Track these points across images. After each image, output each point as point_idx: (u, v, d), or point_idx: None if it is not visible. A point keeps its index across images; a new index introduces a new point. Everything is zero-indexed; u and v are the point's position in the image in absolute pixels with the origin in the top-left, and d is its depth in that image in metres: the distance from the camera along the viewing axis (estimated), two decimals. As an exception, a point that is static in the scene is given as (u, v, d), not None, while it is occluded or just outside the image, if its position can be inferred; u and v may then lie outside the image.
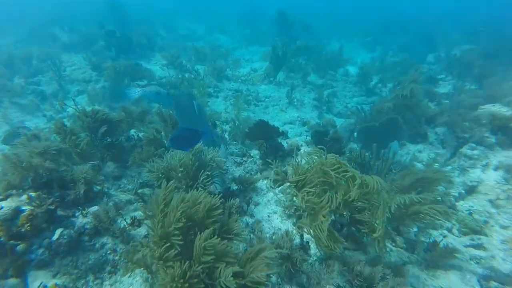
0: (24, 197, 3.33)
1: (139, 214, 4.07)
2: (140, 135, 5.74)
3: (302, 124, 8.37)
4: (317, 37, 16.62)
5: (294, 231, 3.89)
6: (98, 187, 4.20)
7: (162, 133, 5.01)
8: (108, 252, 3.46)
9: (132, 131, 6.06)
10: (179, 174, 3.69)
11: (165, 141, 4.94)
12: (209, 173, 3.77)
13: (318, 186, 3.24)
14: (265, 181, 5.00)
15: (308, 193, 3.13)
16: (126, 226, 3.62)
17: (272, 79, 10.45)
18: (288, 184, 4.71)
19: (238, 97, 8.98)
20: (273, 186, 4.88)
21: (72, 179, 3.83)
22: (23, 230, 3.04)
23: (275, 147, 5.04)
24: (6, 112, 8.56)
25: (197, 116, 4.51)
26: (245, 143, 6.60)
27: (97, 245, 3.47)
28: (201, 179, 3.69)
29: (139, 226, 3.72)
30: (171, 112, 5.18)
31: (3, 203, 3.21)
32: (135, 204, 4.42)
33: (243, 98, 8.88)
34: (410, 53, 14.61)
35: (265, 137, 5.03)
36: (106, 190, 4.35)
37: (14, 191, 3.47)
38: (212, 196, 2.85)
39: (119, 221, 3.65)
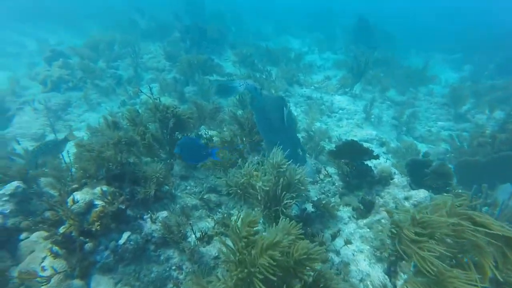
0: (98, 190, 3.08)
1: (206, 225, 3.66)
2: (210, 134, 5.41)
3: (380, 145, 7.44)
4: (394, 47, 15.20)
5: (387, 282, 3.16)
6: (167, 187, 3.89)
7: (238, 137, 4.57)
8: (173, 268, 3.07)
9: (202, 128, 5.78)
10: (261, 193, 3.16)
11: (240, 147, 4.49)
12: (294, 194, 3.20)
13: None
14: (345, 208, 4.30)
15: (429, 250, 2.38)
16: (196, 241, 3.20)
17: (348, 90, 9.58)
18: (377, 218, 3.97)
19: (311, 105, 8.32)
20: (355, 216, 4.17)
21: (144, 176, 3.54)
22: (93, 228, 2.76)
23: (363, 170, 4.30)
24: (88, 93, 8.96)
25: (285, 127, 3.96)
26: (319, 158, 5.94)
27: (162, 257, 3.10)
28: (284, 201, 3.13)
29: (208, 243, 3.28)
30: (249, 115, 4.72)
31: (78, 195, 2.97)
32: (200, 210, 4.05)
33: (316, 107, 8.20)
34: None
35: (352, 158, 4.31)
36: (173, 190, 4.03)
37: (89, 181, 3.25)
38: (309, 241, 2.26)
39: (187, 233, 3.25)
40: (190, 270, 2.99)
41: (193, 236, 3.28)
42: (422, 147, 7.84)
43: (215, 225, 3.57)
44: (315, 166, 5.04)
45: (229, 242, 2.14)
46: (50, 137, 7.67)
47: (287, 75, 10.14)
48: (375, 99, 9.34)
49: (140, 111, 4.60)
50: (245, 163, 3.47)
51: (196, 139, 3.83)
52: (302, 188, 3.25)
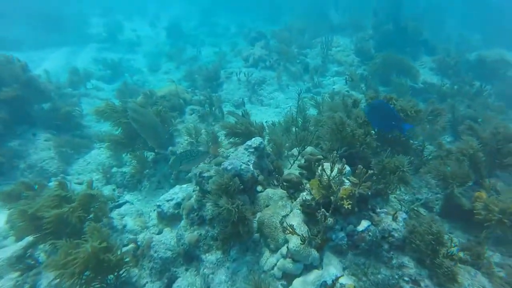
0: (347, 168, 2.94)
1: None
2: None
3: None
4: None
5: None
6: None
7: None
8: (405, 278, 2.67)
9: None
10: None
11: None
12: None
13: None
14: None
15: None
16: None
17: None
18: None
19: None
20: None
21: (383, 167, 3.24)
22: (344, 205, 2.64)
23: None
24: (280, 74, 9.66)
25: None
26: None
27: (394, 261, 2.75)
28: None
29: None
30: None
31: (325, 164, 2.93)
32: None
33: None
34: None
35: None
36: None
37: (328, 155, 3.20)
38: None
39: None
40: (432, 292, 2.52)
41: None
42: None
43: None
44: None
45: None
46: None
47: (507, 94, 8.11)
48: None
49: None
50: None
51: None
52: None
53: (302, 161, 3.51)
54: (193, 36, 17.56)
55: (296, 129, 4.67)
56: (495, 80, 9.38)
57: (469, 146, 3.78)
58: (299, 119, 5.27)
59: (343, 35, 12.75)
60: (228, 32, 17.73)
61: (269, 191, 3.37)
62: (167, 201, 3.91)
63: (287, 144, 4.56)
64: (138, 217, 4.22)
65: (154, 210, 4.20)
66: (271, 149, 4.43)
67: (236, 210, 2.62)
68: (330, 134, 3.24)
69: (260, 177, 3.53)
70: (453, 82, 8.78)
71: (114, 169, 5.78)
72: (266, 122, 5.62)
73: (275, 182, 3.53)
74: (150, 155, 5.76)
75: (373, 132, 4.23)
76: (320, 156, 3.22)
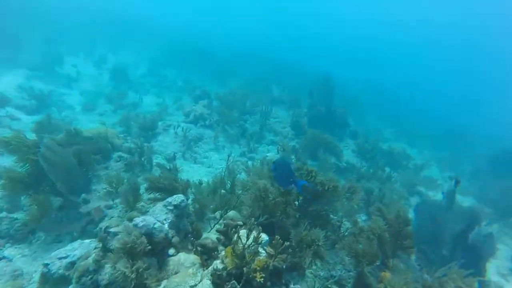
0: (265, 237, 2.92)
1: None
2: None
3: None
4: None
5: None
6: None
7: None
8: None
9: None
10: None
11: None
12: None
13: None
14: None
15: None
16: None
17: (484, 224, 8.19)
18: None
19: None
20: None
21: (301, 240, 3.29)
22: (256, 278, 2.53)
23: None
24: (217, 135, 9.87)
25: None
26: None
27: None
28: None
29: None
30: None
31: (242, 231, 2.87)
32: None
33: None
34: None
35: None
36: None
37: (248, 221, 3.16)
38: None
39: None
40: None
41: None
42: None
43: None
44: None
45: None
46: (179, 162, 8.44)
47: (407, 182, 9.42)
48: None
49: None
50: None
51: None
52: None
53: (223, 225, 3.40)
54: (138, 84, 17.39)
55: (223, 191, 4.63)
56: (399, 169, 10.93)
57: (377, 226, 4.12)
58: (228, 181, 5.27)
59: (282, 108, 13.94)
60: (174, 85, 18.01)
61: (182, 255, 3.11)
62: (59, 259, 3.31)
63: (212, 206, 4.44)
64: (12, 279, 3.44)
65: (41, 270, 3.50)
66: (193, 209, 4.24)
67: (135, 276, 2.31)
68: (252, 200, 3.26)
69: (175, 239, 3.27)
70: (369, 166, 9.94)
71: (3, 214, 4.83)
72: (193, 180, 5.49)
73: (190, 246, 3.30)
74: (58, 201, 5.03)
75: (296, 203, 4.42)
76: (240, 222, 3.17)
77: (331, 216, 5.40)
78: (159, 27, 30.39)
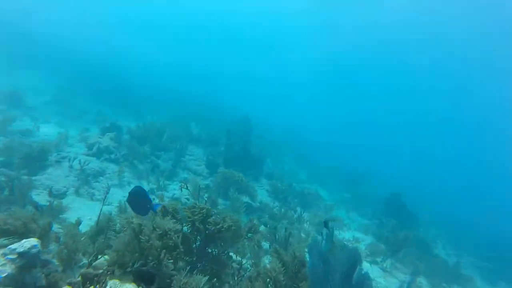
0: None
1: None
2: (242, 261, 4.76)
3: None
4: (419, 231, 14.75)
5: None
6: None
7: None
8: None
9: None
10: None
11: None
12: None
13: None
14: None
15: None
16: None
17: (380, 260, 8.84)
18: None
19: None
20: None
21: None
22: None
23: None
24: (123, 169, 8.94)
25: None
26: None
27: None
28: None
29: None
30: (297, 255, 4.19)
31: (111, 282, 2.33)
32: None
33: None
34: None
35: None
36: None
37: (118, 271, 2.62)
38: None
39: None
40: None
41: None
42: None
43: None
44: None
45: None
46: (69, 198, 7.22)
47: (316, 222, 9.78)
48: (405, 282, 8.39)
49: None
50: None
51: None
52: None
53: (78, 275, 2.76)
54: (38, 110, 15.24)
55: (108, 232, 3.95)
56: (310, 209, 11.41)
57: (273, 268, 3.93)
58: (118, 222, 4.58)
59: (199, 147, 13.64)
60: (84, 116, 16.29)
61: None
62: None
63: (90, 250, 3.69)
64: None
65: None
66: (59, 255, 3.44)
67: None
68: (123, 244, 2.75)
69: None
70: (281, 206, 10.10)
71: None
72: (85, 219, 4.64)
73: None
74: None
75: (194, 245, 4.00)
76: (102, 271, 2.60)
77: (233, 258, 5.08)
78: (76, 51, 28.20)
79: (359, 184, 20.06)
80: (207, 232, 3.90)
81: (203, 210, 3.67)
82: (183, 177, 10.32)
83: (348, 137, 39.44)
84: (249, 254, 6.23)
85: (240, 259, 5.08)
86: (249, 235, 5.39)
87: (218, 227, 3.69)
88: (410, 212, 14.39)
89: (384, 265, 8.84)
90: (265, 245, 6.83)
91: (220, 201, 8.80)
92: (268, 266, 4.17)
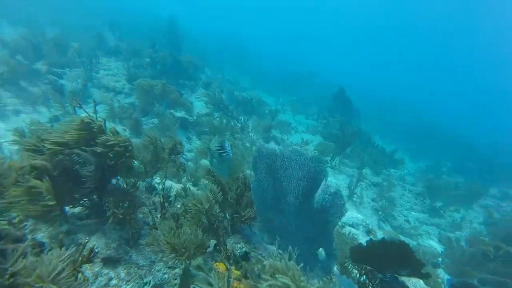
0: None
1: None
2: (169, 184, 3.70)
3: (367, 232, 6.24)
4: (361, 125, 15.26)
5: None
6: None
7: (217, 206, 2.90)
8: None
9: (157, 176, 3.97)
10: None
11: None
12: None
13: None
14: None
15: None
16: None
17: (329, 159, 8.63)
18: None
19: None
20: None
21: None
22: None
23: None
24: (2, 95, 6.70)
25: (309, 207, 2.51)
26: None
27: None
28: None
29: None
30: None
31: None
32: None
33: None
34: (466, 177, 13.09)
35: (381, 267, 2.89)
36: None
37: None
38: None
39: None
40: None
41: None
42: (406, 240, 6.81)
43: None
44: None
45: None
46: None
47: (262, 129, 9.01)
48: (354, 176, 8.45)
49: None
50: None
51: None
52: None
53: None
54: None
55: None
56: (255, 116, 10.52)
57: (204, 198, 2.87)
58: None
59: (118, 59, 11.16)
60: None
61: None
62: None
63: None
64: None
65: None
66: None
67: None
68: None
69: None
70: (222, 116, 8.96)
71: None
72: None
73: None
74: None
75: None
76: None
77: (157, 188, 4.02)
78: None
79: (303, 86, 19.51)
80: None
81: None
82: (99, 97, 8.35)
83: (290, 43, 37.70)
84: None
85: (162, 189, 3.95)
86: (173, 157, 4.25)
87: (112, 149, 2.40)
88: (354, 107, 14.41)
89: (333, 163, 8.71)
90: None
91: (148, 119, 7.32)
92: (198, 195, 3.12)
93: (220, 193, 2.88)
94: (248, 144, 7.36)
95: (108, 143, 2.44)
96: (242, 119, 9.17)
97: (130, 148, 2.46)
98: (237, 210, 2.96)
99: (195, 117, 8.60)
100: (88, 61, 9.20)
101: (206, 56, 16.35)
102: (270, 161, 2.85)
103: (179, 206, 3.24)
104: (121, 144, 2.38)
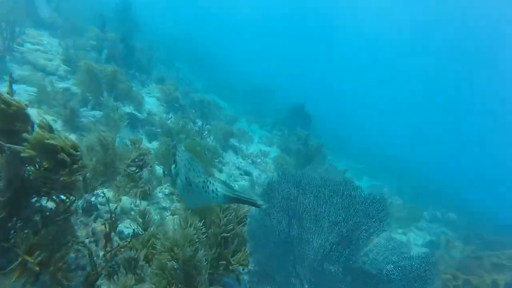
0: None
1: None
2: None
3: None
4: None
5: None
6: None
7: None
8: None
9: (101, 190, 2.91)
10: None
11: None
12: None
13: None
14: None
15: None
16: None
17: (290, 175, 8.19)
18: None
19: (253, 184, 6.42)
20: None
21: None
22: None
23: None
24: None
25: None
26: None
27: None
28: None
29: None
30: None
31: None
32: None
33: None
34: (404, 199, 14.05)
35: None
36: None
37: None
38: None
39: None
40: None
41: None
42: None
43: None
44: None
45: None
46: None
47: (222, 136, 8.24)
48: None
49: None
50: None
51: None
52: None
53: None
54: None
55: None
56: (212, 120, 9.66)
57: (184, 239, 2.03)
58: None
59: (53, 36, 9.33)
60: None
61: None
62: None
63: None
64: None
65: None
66: None
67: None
68: None
69: None
70: (178, 117, 7.94)
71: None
72: None
73: None
74: None
75: None
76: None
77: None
78: None
79: (258, 97, 19.17)
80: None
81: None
82: (20, 74, 6.65)
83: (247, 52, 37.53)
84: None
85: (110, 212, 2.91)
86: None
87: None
88: (312, 123, 14.46)
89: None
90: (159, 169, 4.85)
91: (88, 111, 5.99)
92: (169, 231, 2.20)
93: (203, 228, 2.05)
94: (208, 154, 6.50)
95: (46, 146, 1.46)
96: (200, 122, 8.25)
97: (79, 159, 1.50)
98: (221, 253, 2.15)
99: (145, 115, 7.44)
100: (9, 27, 7.36)
101: (160, 52, 14.95)
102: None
103: (135, 242, 2.26)
104: (71, 151, 1.43)
